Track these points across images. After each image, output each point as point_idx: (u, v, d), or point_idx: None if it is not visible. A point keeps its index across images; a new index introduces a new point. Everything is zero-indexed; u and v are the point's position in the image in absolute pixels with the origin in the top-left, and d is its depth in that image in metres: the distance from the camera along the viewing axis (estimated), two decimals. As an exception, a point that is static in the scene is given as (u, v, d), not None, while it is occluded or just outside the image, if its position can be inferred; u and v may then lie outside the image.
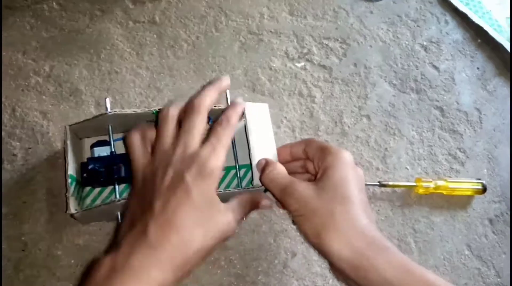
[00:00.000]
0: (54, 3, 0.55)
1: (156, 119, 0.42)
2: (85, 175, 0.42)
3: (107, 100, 0.42)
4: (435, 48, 0.61)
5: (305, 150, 0.40)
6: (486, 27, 0.62)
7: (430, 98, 0.57)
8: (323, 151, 0.37)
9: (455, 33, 0.63)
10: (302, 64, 0.57)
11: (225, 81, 0.39)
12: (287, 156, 0.42)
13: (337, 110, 0.54)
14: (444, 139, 0.55)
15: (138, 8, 0.57)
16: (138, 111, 0.41)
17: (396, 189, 0.51)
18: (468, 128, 0.56)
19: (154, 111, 0.41)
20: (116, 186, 0.42)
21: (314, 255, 0.46)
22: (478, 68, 0.60)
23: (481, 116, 0.57)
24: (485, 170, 0.54)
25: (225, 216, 0.34)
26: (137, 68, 0.53)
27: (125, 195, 0.42)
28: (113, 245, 0.32)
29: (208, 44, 0.56)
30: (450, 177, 0.53)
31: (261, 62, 0.56)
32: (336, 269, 0.34)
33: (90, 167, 0.41)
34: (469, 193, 0.51)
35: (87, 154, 0.44)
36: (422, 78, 0.58)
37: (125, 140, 0.39)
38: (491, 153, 0.55)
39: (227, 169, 0.46)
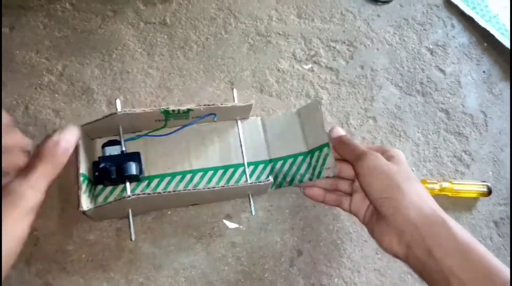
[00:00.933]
0: (67, 4, 0.56)
1: (165, 117, 0.44)
2: (97, 173, 0.43)
3: (117, 101, 0.43)
4: (441, 51, 0.61)
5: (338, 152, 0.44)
6: (492, 30, 0.63)
7: (435, 101, 0.58)
8: (378, 150, 0.42)
9: (461, 36, 0.63)
10: (310, 66, 0.58)
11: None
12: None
13: (344, 112, 0.55)
14: (450, 141, 0.56)
15: (149, 9, 0.58)
16: (147, 110, 0.42)
17: (402, 190, 0.51)
18: (474, 130, 0.57)
19: (161, 110, 0.42)
20: (127, 184, 0.43)
21: (320, 254, 0.47)
22: (484, 72, 0.61)
23: (486, 119, 0.58)
24: (491, 173, 0.55)
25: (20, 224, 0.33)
26: (148, 68, 0.54)
27: (136, 191, 0.43)
28: None
29: (217, 45, 0.57)
30: (455, 179, 0.53)
31: (269, 64, 0.57)
32: (394, 232, 0.36)
33: (101, 165, 0.43)
34: (474, 195, 0.52)
35: (98, 154, 0.45)
36: (428, 81, 0.59)
37: None
38: (497, 156, 0.56)
39: (235, 167, 0.47)
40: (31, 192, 0.33)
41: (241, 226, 0.47)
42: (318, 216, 0.49)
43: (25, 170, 0.34)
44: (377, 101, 0.57)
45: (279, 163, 0.47)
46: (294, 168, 0.46)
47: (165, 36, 0.56)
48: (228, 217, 0.47)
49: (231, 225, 0.47)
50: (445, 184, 0.51)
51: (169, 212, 0.47)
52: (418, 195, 0.36)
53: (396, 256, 0.37)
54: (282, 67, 0.57)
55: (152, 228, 0.46)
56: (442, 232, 0.33)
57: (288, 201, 0.49)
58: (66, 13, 0.56)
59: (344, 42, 0.60)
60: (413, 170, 0.53)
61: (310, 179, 0.45)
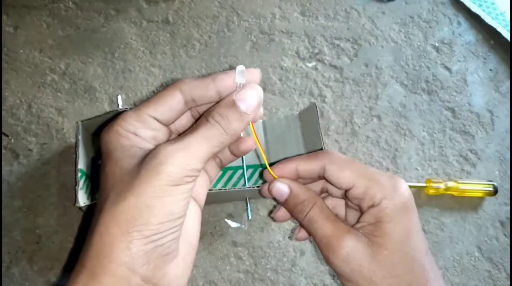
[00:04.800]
0: (70, 3, 0.56)
1: None
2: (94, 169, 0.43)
3: (119, 97, 0.43)
4: (447, 49, 0.61)
5: (326, 171, 0.27)
6: (499, 28, 0.62)
7: (441, 99, 0.57)
8: (370, 180, 0.25)
9: (467, 34, 0.62)
10: (313, 64, 0.57)
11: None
12: (291, 175, 0.28)
13: (348, 110, 0.55)
14: (455, 140, 0.55)
15: (152, 7, 0.57)
16: None
17: (406, 189, 0.51)
18: (480, 129, 0.56)
19: None
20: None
21: (322, 254, 0.46)
22: (490, 70, 0.60)
23: (493, 117, 0.57)
24: (497, 172, 0.54)
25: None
26: (150, 67, 0.54)
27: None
28: None
29: (220, 43, 0.56)
30: (461, 178, 0.52)
31: (272, 62, 0.56)
32: None
33: (99, 162, 0.42)
34: (480, 194, 0.51)
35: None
36: (433, 79, 0.58)
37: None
38: (503, 155, 0.55)
39: (234, 169, 0.47)
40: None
41: (243, 226, 0.47)
42: (321, 215, 0.48)
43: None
44: (382, 100, 0.56)
45: None
46: None
47: (168, 35, 0.56)
48: (230, 216, 0.47)
49: (233, 224, 0.47)
50: (451, 184, 0.50)
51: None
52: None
53: None
54: (285, 65, 0.56)
55: (153, 226, 0.46)
56: None
57: (291, 200, 0.48)
58: (70, 12, 0.56)
59: (349, 40, 0.59)
60: (417, 170, 0.52)
61: None
